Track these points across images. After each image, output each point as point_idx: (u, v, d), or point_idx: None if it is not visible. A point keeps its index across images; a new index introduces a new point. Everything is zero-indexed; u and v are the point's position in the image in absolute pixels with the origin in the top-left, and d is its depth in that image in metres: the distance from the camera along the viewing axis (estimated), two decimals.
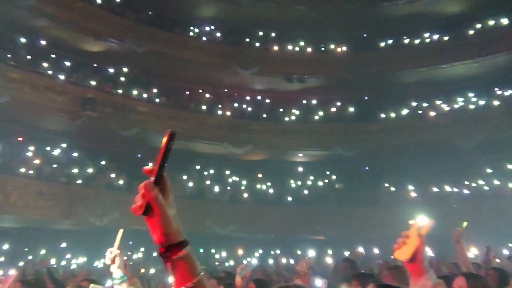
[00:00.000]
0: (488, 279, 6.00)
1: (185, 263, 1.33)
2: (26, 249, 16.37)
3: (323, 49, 21.39)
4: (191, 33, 20.88)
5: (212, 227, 18.14)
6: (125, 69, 19.80)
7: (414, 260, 2.07)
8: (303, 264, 5.44)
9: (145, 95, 19.43)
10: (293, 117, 20.73)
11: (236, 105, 21.08)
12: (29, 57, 17.66)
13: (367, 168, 20.88)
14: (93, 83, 18.61)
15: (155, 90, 19.79)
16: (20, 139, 17.24)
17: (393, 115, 20.25)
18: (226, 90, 21.52)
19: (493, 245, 15.01)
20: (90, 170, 17.73)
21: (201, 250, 18.12)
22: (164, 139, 1.33)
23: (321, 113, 20.84)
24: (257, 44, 21.23)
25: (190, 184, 19.23)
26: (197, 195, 18.99)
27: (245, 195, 19.22)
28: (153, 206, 1.31)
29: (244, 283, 4.85)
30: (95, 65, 19.47)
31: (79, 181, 17.18)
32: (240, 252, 16.14)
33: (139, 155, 19.79)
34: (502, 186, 18.15)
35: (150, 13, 20.38)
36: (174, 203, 1.34)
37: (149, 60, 19.27)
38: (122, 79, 19.53)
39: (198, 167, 20.11)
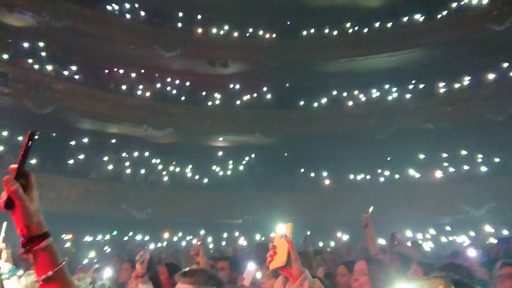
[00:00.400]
0: (391, 264, 6.38)
1: (46, 254, 1.42)
2: None
3: (247, 34, 21.43)
4: (113, 11, 20.26)
5: (128, 210, 17.90)
6: (41, 44, 18.95)
7: (290, 263, 2.16)
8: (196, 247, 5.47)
9: (62, 73, 18.72)
10: (215, 102, 20.73)
11: (157, 86, 20.82)
12: None
13: (286, 154, 21.28)
14: (6, 57, 17.73)
15: (73, 68, 19.15)
16: None
17: (312, 103, 20.69)
18: (148, 71, 21.15)
19: (403, 231, 15.97)
20: (0, 148, 16.92)
21: (115, 233, 17.85)
22: (26, 139, 1.42)
23: (243, 99, 21.00)
24: (181, 26, 20.95)
25: (108, 166, 18.82)
26: (114, 177, 18.65)
27: (164, 178, 19.06)
28: (14, 200, 1.38)
29: (143, 269, 4.82)
30: (9, 38, 18.48)
31: None
32: (166, 235, 16.05)
33: (54, 134, 19.18)
34: (412, 175, 19.05)
35: None
36: (37, 198, 1.43)
37: (68, 36, 18.65)
38: (39, 54, 18.69)
39: (116, 148, 19.67)
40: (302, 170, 20.26)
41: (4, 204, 1.38)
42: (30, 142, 1.43)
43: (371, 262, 4.04)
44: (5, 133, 17.57)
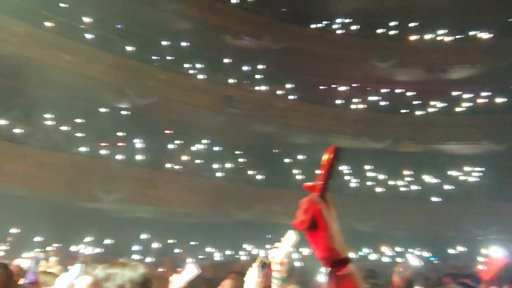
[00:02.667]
0: None
1: (350, 280, 1.32)
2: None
3: (464, 36, 20.55)
4: (326, 27, 21.14)
5: (351, 223, 18.19)
6: (262, 66, 20.44)
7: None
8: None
9: (282, 91, 20.01)
10: (434, 109, 20.27)
11: (373, 98, 21.04)
12: (173, 58, 18.93)
13: None
14: (232, 81, 19.49)
15: (291, 86, 20.30)
16: (168, 132, 18.55)
17: None
18: (362, 83, 21.49)
19: None
20: (231, 165, 18.57)
21: None
22: (329, 155, 1.35)
23: (465, 105, 20.12)
24: (394, 35, 20.94)
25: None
26: (335, 190, 19.10)
27: (384, 190, 19.00)
28: (318, 221, 1.33)
29: (402, 283, 4.95)
30: (234, 63, 20.25)
31: (222, 176, 18.08)
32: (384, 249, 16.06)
33: (276, 151, 20.47)
34: None
35: (284, 9, 20.88)
36: (337, 218, 1.38)
37: (285, 56, 19.86)
38: (260, 76, 20.21)
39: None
40: None
41: (309, 225, 1.33)
42: (335, 159, 1.34)
43: None
44: (234, 151, 19.17)
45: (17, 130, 15.02)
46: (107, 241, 16.43)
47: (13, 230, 14.74)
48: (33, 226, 14.02)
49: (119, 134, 17.21)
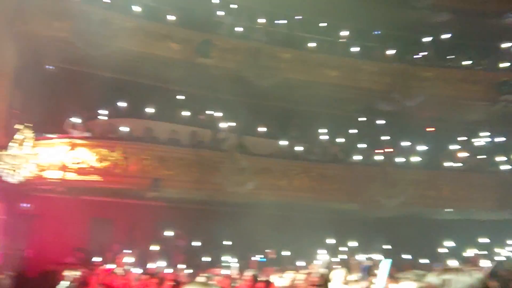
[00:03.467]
0: None
1: None
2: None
3: None
4: None
5: None
6: None
7: None
8: None
9: None
10: None
11: None
12: (436, 53, 18.38)
13: None
14: (504, 65, 18.06)
15: None
16: (437, 129, 17.99)
17: None
18: None
19: None
20: None
21: None
22: None
23: None
24: None
25: None
26: None
27: None
28: None
29: None
30: (502, 45, 18.70)
31: (509, 169, 16.75)
32: None
33: None
34: None
35: None
36: None
37: None
38: None
39: None
40: None
41: None
42: None
43: None
44: None
45: (298, 148, 16.23)
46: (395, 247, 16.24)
47: (299, 239, 15.44)
48: (320, 234, 14.68)
49: (390, 138, 17.28)
